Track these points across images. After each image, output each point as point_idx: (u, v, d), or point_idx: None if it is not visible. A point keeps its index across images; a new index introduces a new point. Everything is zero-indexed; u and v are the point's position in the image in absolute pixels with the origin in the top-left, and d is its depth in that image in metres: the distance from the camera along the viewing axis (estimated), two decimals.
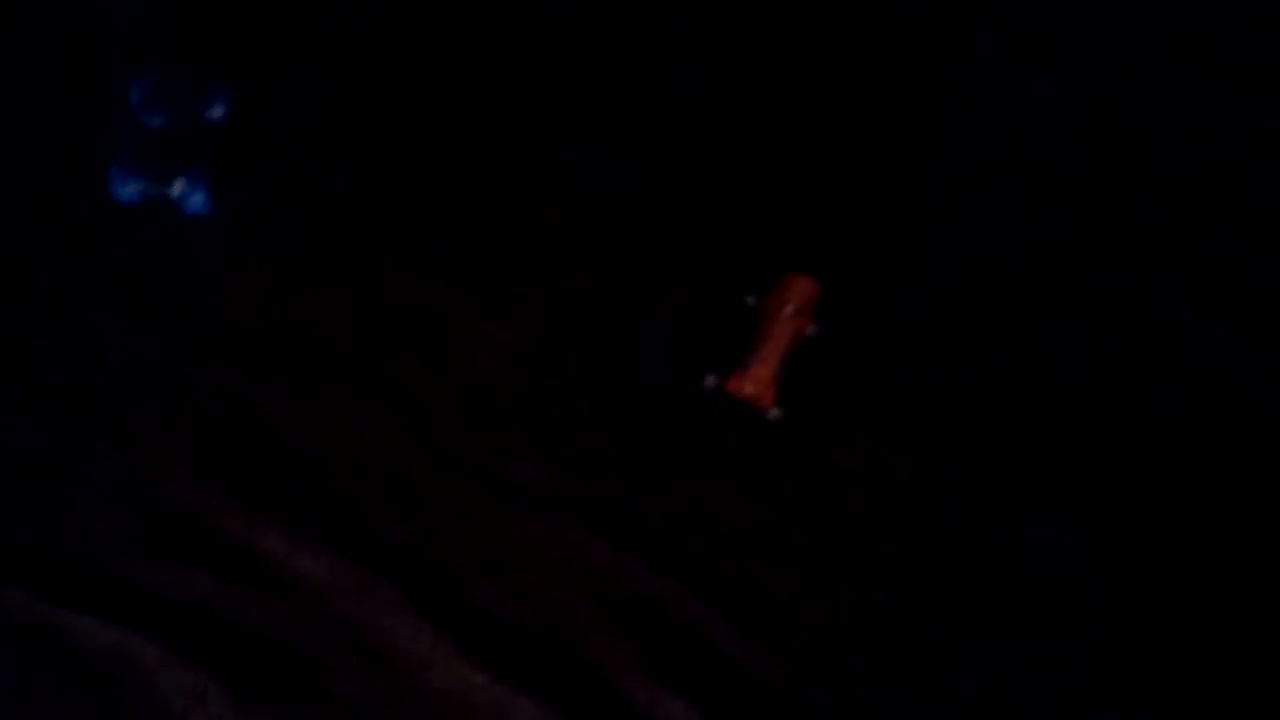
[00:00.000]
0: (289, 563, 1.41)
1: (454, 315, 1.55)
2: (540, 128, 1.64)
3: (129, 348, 1.50)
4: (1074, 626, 1.46)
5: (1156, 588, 1.47)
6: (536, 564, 1.46)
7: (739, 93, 1.67)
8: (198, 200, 1.54)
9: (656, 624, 1.44)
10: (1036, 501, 1.52)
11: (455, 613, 1.42)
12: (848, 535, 1.49)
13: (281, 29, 1.66)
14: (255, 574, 1.41)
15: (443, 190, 1.62)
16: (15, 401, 1.47)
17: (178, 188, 1.52)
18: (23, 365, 1.48)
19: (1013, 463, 1.53)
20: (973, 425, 1.53)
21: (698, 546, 1.48)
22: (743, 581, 1.47)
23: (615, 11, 1.74)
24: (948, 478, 1.51)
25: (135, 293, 1.54)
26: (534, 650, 1.42)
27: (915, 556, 1.48)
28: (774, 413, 1.49)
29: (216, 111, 1.57)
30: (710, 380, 1.48)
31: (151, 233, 1.58)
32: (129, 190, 1.54)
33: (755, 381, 1.47)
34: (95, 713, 1.31)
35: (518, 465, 1.49)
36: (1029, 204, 1.65)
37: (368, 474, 1.47)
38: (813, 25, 1.70)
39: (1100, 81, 1.74)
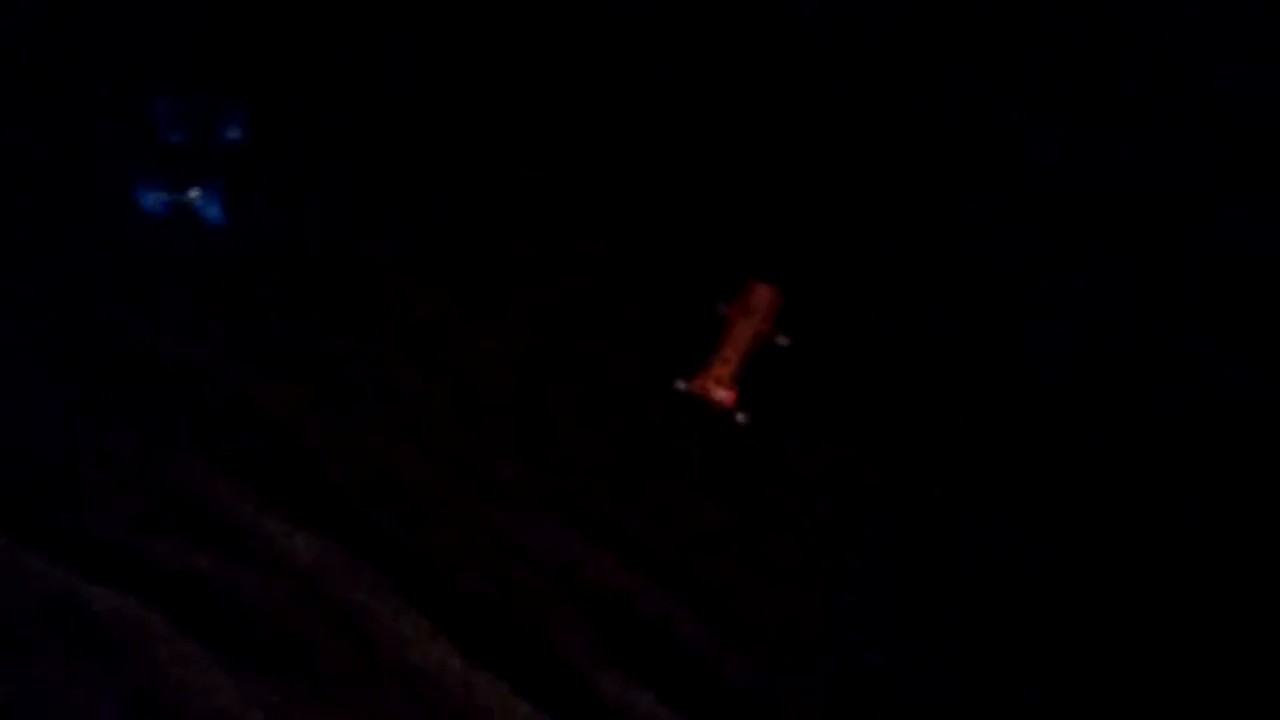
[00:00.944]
0: (285, 545, 1.51)
1: (447, 323, 1.66)
2: (524, 149, 1.77)
3: (146, 343, 1.62)
4: (1040, 635, 1.53)
5: (1123, 601, 1.54)
6: (514, 556, 1.55)
7: (708, 110, 1.79)
8: (214, 211, 1.66)
9: (627, 619, 1.53)
10: (1004, 511, 1.60)
11: (436, 598, 1.51)
12: (813, 540, 1.58)
13: (296, 59, 1.80)
14: (253, 554, 1.51)
15: (438, 210, 1.74)
16: (45, 391, 1.59)
17: (194, 199, 1.65)
18: (55, 358, 1.61)
19: (980, 472, 1.62)
20: (940, 435, 1.62)
21: (668, 546, 1.57)
22: (711, 581, 1.55)
23: (579, 34, 1.87)
24: (914, 487, 1.60)
25: (154, 294, 1.66)
26: (508, 638, 1.50)
27: (879, 564, 1.57)
28: (742, 417, 1.58)
29: (234, 132, 1.70)
30: (680, 385, 1.58)
31: (174, 240, 1.70)
32: (153, 200, 1.67)
33: (715, 380, 1.56)
34: (100, 673, 1.41)
35: (501, 464, 1.59)
36: (1000, 216, 1.75)
37: (361, 467, 1.57)
38: (780, 44, 1.82)
39: (1071, 105, 1.85)
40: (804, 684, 1.50)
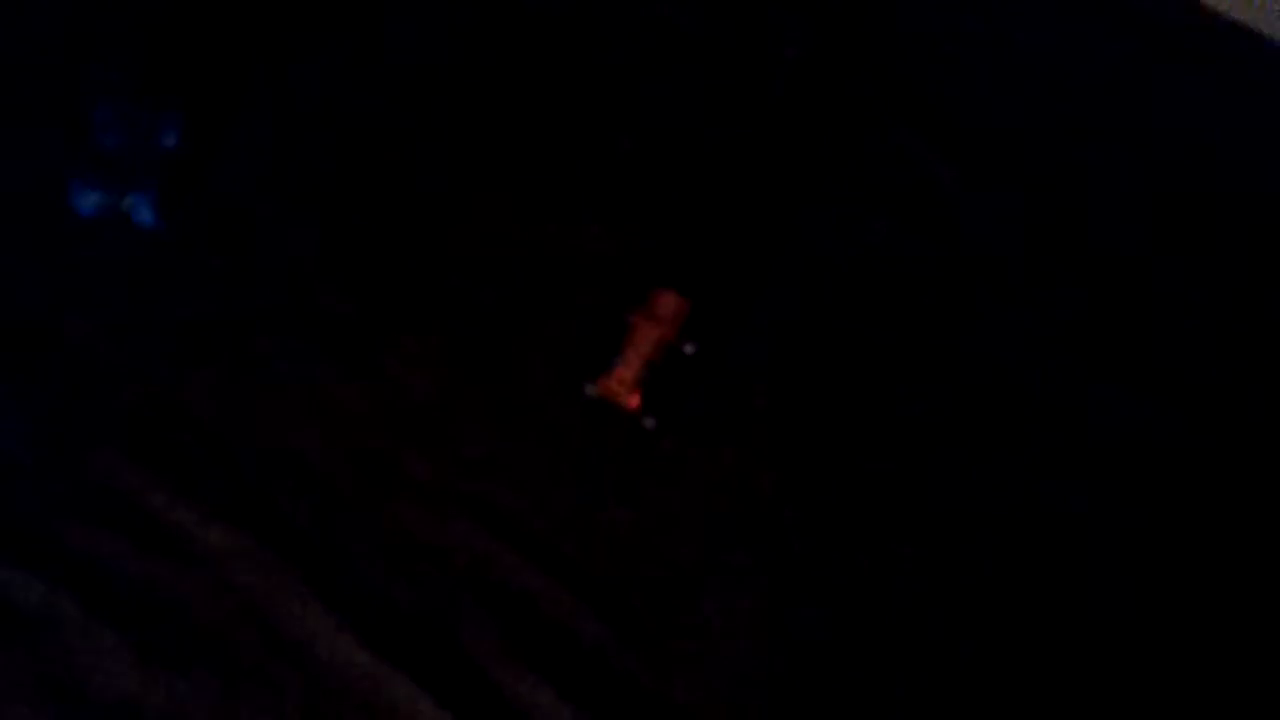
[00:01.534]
0: (199, 537, 1.56)
1: (368, 326, 1.72)
2: (443, 164, 1.83)
3: (77, 338, 1.67)
4: (940, 641, 1.57)
5: (1030, 608, 1.58)
6: (423, 554, 1.59)
7: (620, 124, 1.86)
8: (145, 214, 1.72)
9: (531, 616, 1.57)
10: (904, 520, 1.64)
11: (344, 593, 1.55)
12: (715, 541, 1.63)
13: (234, 68, 1.86)
14: (166, 544, 1.55)
15: (363, 218, 1.80)
16: None
17: (128, 202, 1.70)
18: None
19: (882, 478, 1.67)
20: (831, 448, 1.67)
21: (572, 546, 1.61)
22: (614, 580, 1.60)
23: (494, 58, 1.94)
24: (803, 496, 1.64)
25: (85, 292, 1.71)
26: (414, 633, 1.54)
27: (780, 566, 1.61)
28: (649, 421, 1.63)
29: (169, 139, 1.75)
30: (589, 389, 1.63)
31: (107, 241, 1.76)
32: (88, 202, 1.73)
33: (618, 381, 1.61)
34: (18, 659, 1.46)
35: (415, 463, 1.64)
36: (904, 231, 1.80)
37: (278, 463, 1.62)
38: (689, 63, 1.89)
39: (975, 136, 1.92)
40: (704, 683, 1.55)
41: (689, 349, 1.64)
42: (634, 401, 1.61)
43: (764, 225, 1.78)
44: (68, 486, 1.57)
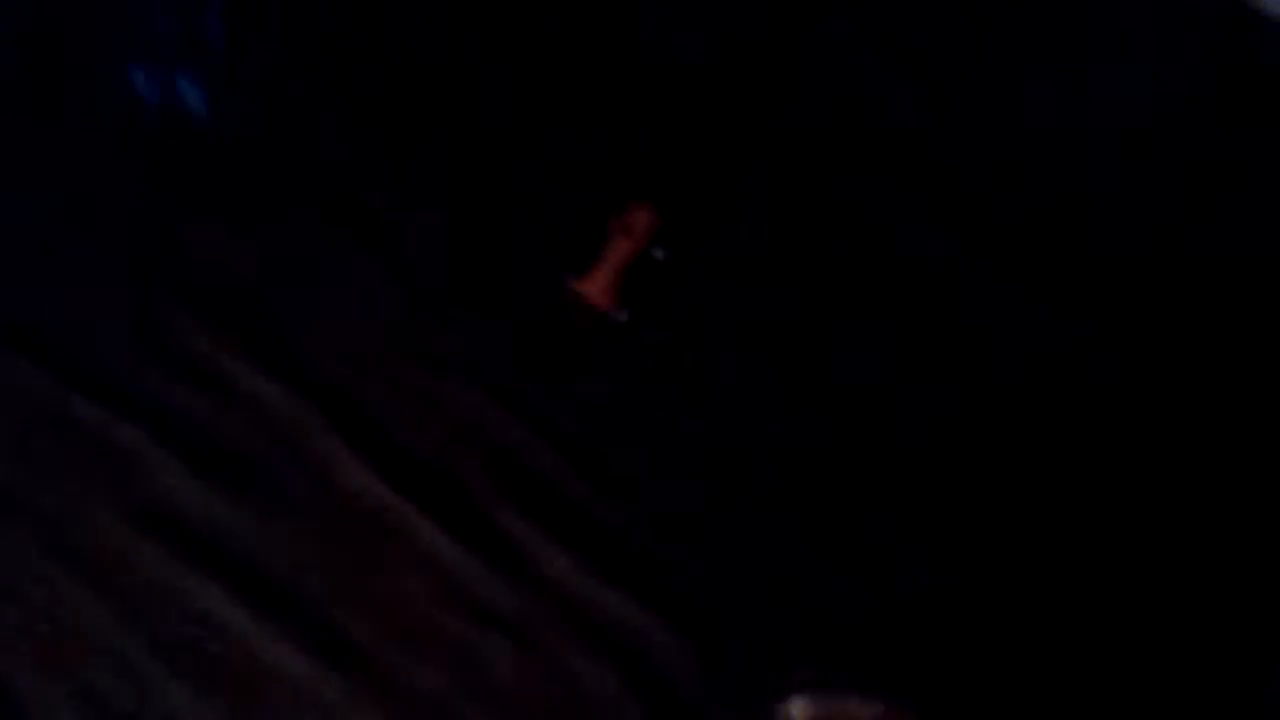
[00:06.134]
0: (248, 384, 1.87)
1: (393, 216, 2.01)
2: (461, 71, 2.11)
3: (137, 212, 1.95)
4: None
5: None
6: (432, 409, 1.91)
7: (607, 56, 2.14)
8: (196, 99, 1.96)
9: (519, 467, 1.89)
10: (860, 447, 1.91)
11: (365, 437, 1.88)
12: (671, 423, 1.96)
13: None
14: (221, 389, 1.87)
15: (389, 118, 2.08)
16: (52, 248, 1.92)
17: (180, 85, 1.93)
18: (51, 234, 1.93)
19: (829, 365, 1.97)
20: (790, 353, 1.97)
21: (564, 416, 1.94)
22: (595, 446, 1.92)
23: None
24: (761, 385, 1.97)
25: (144, 163, 1.98)
26: (421, 474, 1.87)
27: (738, 434, 1.93)
28: (620, 315, 1.95)
29: (215, 28, 1.97)
30: (571, 282, 1.95)
31: (163, 122, 2.01)
32: (142, 83, 1.95)
33: (593, 284, 1.94)
34: (104, 476, 1.79)
35: (427, 334, 1.95)
36: (861, 165, 2.09)
37: (320, 326, 1.93)
38: None
39: (936, 65, 2.17)
40: (672, 526, 1.88)
41: (660, 255, 1.95)
42: (607, 302, 1.93)
43: (730, 148, 2.09)
44: (134, 342, 1.87)
